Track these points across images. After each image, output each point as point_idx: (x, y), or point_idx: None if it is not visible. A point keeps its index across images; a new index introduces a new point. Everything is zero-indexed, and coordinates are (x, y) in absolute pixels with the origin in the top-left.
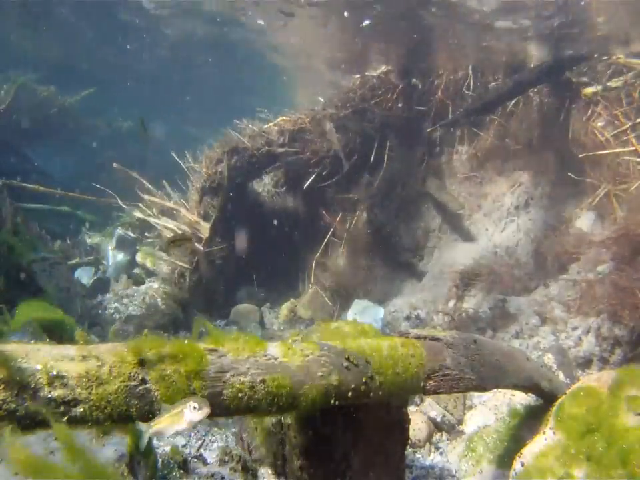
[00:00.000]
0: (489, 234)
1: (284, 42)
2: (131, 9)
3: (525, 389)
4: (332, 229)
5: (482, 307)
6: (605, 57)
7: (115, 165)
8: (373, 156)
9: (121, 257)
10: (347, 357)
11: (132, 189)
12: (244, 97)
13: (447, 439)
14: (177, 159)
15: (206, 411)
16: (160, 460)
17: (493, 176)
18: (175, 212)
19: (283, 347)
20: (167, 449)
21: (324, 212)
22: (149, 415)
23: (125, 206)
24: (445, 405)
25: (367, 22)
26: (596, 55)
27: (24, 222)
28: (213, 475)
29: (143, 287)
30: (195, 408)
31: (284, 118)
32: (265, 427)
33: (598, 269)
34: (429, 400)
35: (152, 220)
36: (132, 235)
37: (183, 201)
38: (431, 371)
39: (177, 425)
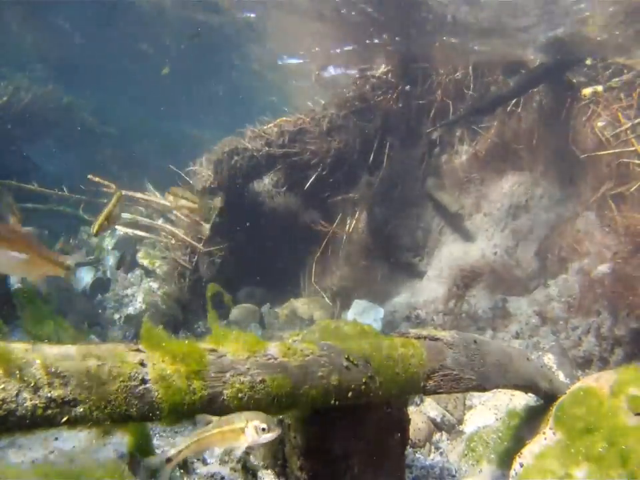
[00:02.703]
0: (489, 234)
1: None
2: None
3: (525, 388)
4: (332, 230)
5: (482, 307)
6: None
7: (89, 176)
8: (372, 156)
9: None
10: (346, 356)
11: (134, 188)
12: (244, 101)
13: (447, 439)
14: (177, 159)
15: (276, 432)
16: None
17: (493, 176)
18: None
19: (282, 347)
20: (167, 449)
21: (320, 222)
22: (149, 415)
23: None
24: (445, 405)
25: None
26: (595, 57)
27: (25, 223)
28: (213, 475)
29: (142, 287)
30: (262, 429)
31: (284, 119)
32: None
33: (598, 269)
34: (428, 400)
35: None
36: (132, 234)
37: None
38: (431, 370)
39: (233, 442)
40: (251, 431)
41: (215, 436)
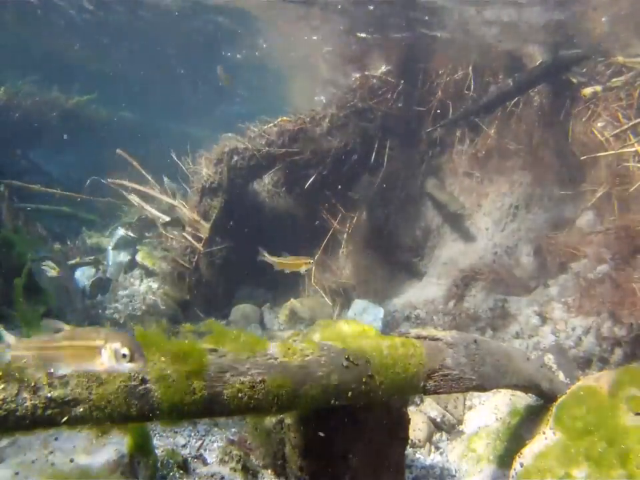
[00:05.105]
0: (489, 234)
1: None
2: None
3: (525, 388)
4: (332, 230)
5: (482, 307)
6: (602, 58)
7: (118, 150)
8: (373, 156)
9: (121, 257)
10: (346, 356)
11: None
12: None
13: (447, 439)
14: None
15: (140, 364)
16: (160, 460)
17: (493, 176)
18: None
19: (282, 347)
20: (167, 448)
21: (325, 215)
22: (149, 415)
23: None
24: (445, 405)
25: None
26: (594, 56)
27: (25, 223)
28: (213, 475)
29: (142, 287)
30: (123, 355)
31: (284, 118)
32: (264, 427)
33: (598, 269)
34: (428, 400)
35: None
36: (132, 234)
37: (182, 201)
38: (431, 370)
39: (85, 363)
40: (107, 354)
41: (64, 349)
